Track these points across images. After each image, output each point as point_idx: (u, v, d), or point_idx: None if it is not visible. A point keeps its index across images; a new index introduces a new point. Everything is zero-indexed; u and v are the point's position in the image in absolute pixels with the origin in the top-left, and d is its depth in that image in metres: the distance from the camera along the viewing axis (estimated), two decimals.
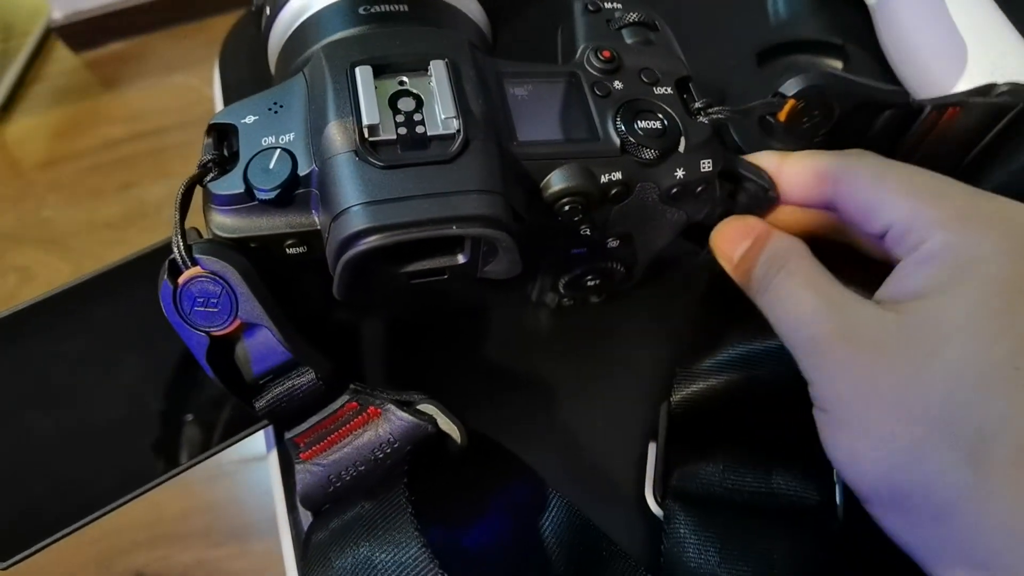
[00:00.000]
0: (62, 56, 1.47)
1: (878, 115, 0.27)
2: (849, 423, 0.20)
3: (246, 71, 0.39)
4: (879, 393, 0.19)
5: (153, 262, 0.25)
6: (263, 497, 0.91)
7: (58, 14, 1.43)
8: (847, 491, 0.24)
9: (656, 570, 0.25)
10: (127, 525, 0.94)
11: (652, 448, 0.27)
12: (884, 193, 0.22)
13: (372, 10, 0.25)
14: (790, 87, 0.26)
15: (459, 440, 0.24)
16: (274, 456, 0.28)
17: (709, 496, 0.25)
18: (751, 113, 0.26)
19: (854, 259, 0.25)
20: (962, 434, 0.18)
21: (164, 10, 1.42)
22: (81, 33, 1.45)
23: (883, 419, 0.19)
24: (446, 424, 0.24)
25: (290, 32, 0.26)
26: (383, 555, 0.20)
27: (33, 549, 0.23)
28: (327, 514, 0.23)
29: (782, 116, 0.26)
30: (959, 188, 0.21)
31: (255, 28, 0.41)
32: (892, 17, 0.35)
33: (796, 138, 0.28)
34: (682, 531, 0.25)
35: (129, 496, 0.23)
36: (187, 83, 1.35)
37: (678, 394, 0.28)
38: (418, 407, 0.23)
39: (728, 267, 0.25)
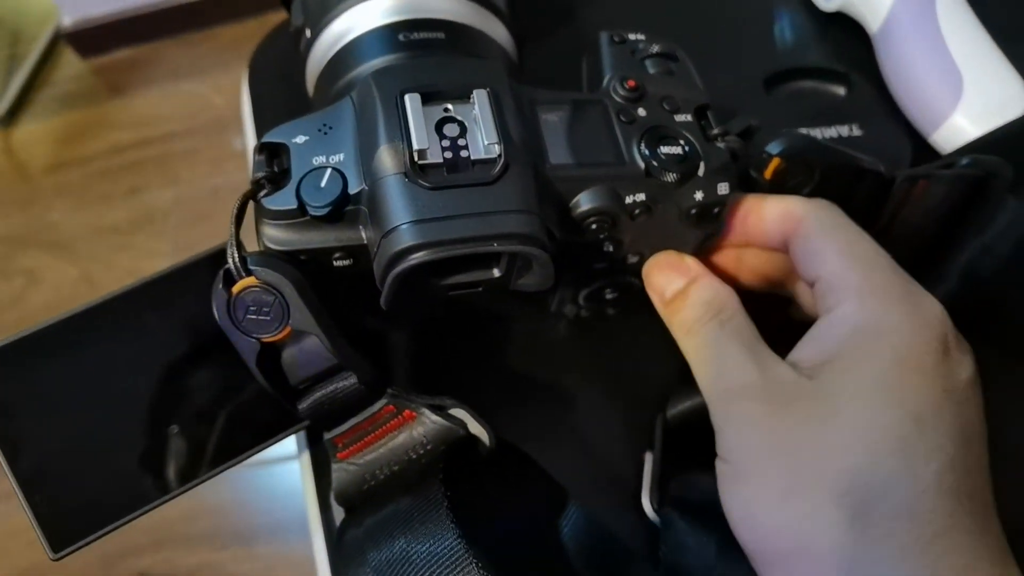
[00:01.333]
0: (70, 62, 1.48)
1: (858, 182, 0.28)
2: (748, 477, 0.21)
3: (276, 85, 0.41)
4: (781, 451, 0.21)
5: (201, 270, 0.26)
6: (268, 500, 0.92)
7: (67, 20, 1.45)
8: None
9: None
10: (131, 527, 0.93)
11: (648, 457, 0.28)
12: (824, 245, 0.23)
13: (412, 37, 0.26)
14: (775, 146, 0.27)
15: (488, 443, 0.25)
16: (307, 457, 0.29)
17: (705, 504, 0.26)
18: (748, 158, 0.27)
19: (780, 316, 0.26)
20: (850, 494, 0.19)
21: (172, 18, 1.44)
22: (89, 39, 1.46)
23: (781, 476, 0.20)
24: (475, 428, 0.25)
25: (331, 55, 0.28)
26: (419, 547, 0.21)
27: (84, 541, 0.24)
28: (360, 512, 0.24)
29: (768, 174, 0.27)
30: (887, 265, 0.22)
31: (284, 44, 0.43)
32: (892, 47, 0.37)
33: None
34: (679, 536, 0.26)
35: (177, 491, 0.25)
36: (195, 90, 1.37)
37: (673, 408, 0.29)
38: (450, 411, 0.25)
39: (657, 301, 0.26)
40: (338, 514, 0.27)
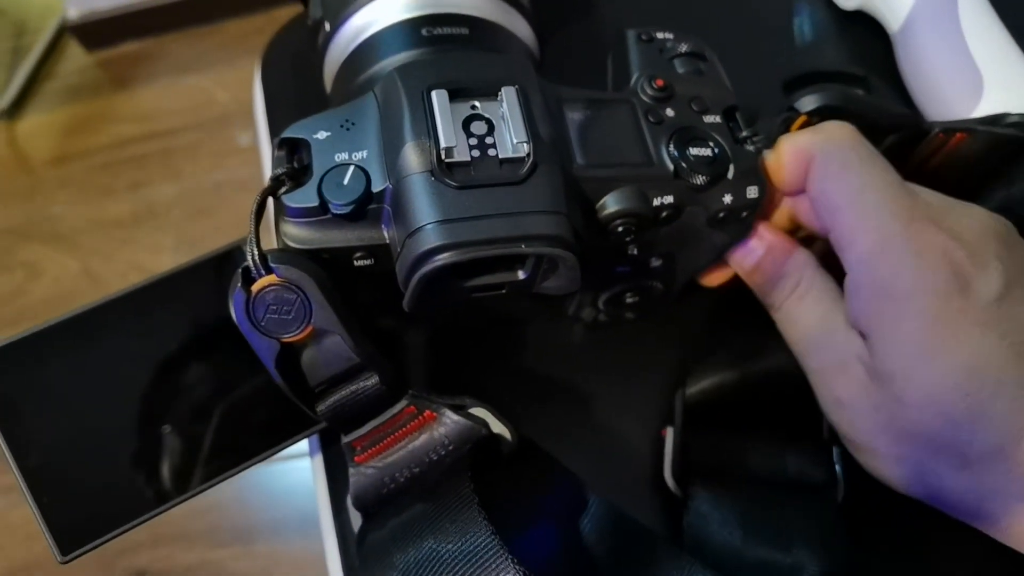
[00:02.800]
0: (75, 54, 1.47)
1: (884, 137, 0.28)
2: (864, 449, 0.23)
3: (290, 79, 0.40)
4: (878, 425, 0.22)
5: (210, 269, 0.25)
6: (268, 498, 0.91)
7: (72, 12, 1.43)
8: (847, 470, 0.27)
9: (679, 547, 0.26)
10: None
11: (669, 432, 0.28)
12: (833, 192, 0.23)
13: (435, 32, 0.25)
14: (806, 103, 0.27)
15: (511, 440, 0.24)
16: (319, 461, 0.29)
17: (727, 475, 0.27)
18: (773, 132, 0.27)
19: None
20: (945, 449, 0.21)
21: (179, 12, 1.42)
22: (95, 32, 1.44)
23: (889, 447, 0.22)
24: (497, 426, 0.24)
25: (351, 49, 0.27)
26: (449, 546, 0.21)
27: (92, 544, 0.23)
28: (382, 515, 0.24)
29: (793, 132, 0.27)
30: (893, 205, 0.22)
31: (297, 39, 0.42)
32: (912, 46, 0.36)
33: None
34: (704, 508, 0.26)
35: (187, 495, 0.24)
36: (200, 85, 1.35)
37: (693, 385, 0.29)
38: (470, 411, 0.24)
39: (741, 273, 0.26)
40: (354, 518, 0.26)
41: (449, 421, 0.23)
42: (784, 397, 0.27)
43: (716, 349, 0.30)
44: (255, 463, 0.25)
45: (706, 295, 0.30)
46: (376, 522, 0.23)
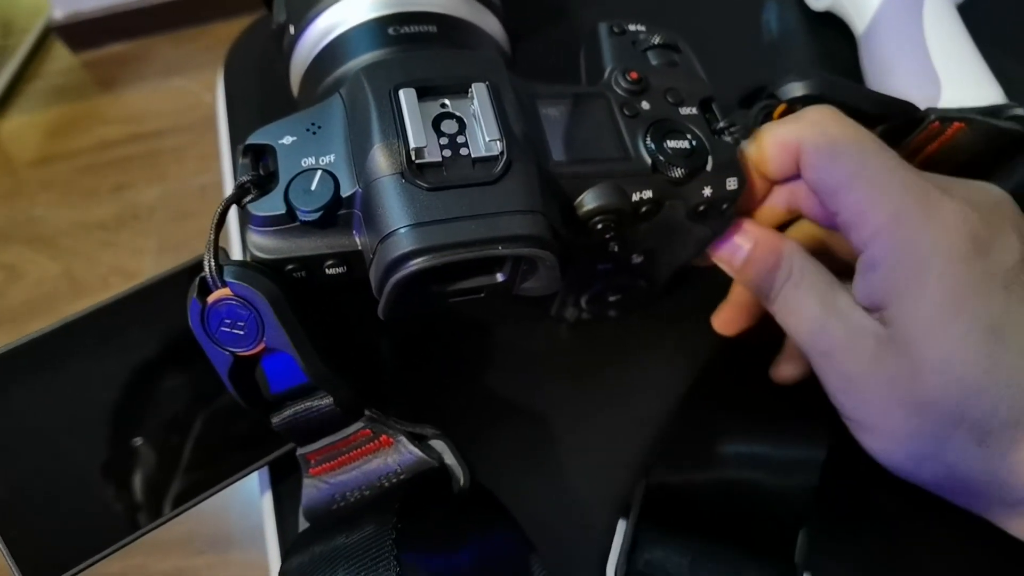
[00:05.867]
0: (60, 55, 1.44)
1: (872, 126, 0.27)
2: (872, 429, 0.22)
3: (252, 83, 0.39)
4: (892, 399, 0.21)
5: (179, 283, 0.24)
6: (245, 506, 0.88)
7: (58, 13, 1.40)
8: None
9: None
10: None
11: (621, 525, 0.26)
12: (831, 177, 0.22)
13: (402, 31, 0.24)
14: (787, 91, 0.26)
15: (462, 482, 0.23)
16: (265, 473, 0.28)
17: None
18: (750, 122, 0.26)
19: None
20: (965, 420, 0.20)
21: (165, 14, 1.40)
22: (81, 33, 1.42)
23: (901, 422, 0.21)
24: (452, 463, 0.23)
25: (317, 51, 0.26)
26: None
27: (68, 574, 0.22)
28: (307, 540, 0.22)
29: (774, 121, 0.25)
30: (898, 182, 0.21)
31: (260, 42, 0.41)
32: (875, 48, 0.36)
33: None
34: None
35: (164, 518, 0.23)
36: (186, 87, 1.33)
37: (656, 479, 0.26)
38: (430, 442, 0.23)
39: (729, 270, 0.25)
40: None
41: (404, 450, 0.23)
42: (748, 509, 0.25)
43: (685, 439, 0.27)
44: (231, 483, 0.24)
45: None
46: (302, 546, 0.22)
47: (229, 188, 0.37)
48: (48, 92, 1.40)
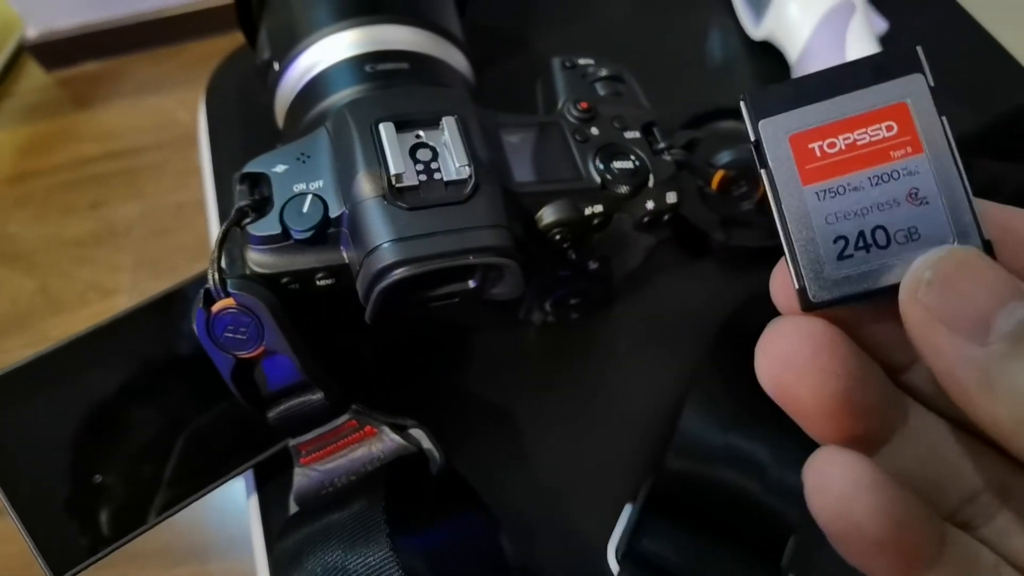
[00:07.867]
0: (34, 72, 1.42)
1: None
2: None
3: (233, 108, 0.41)
4: None
5: (187, 296, 0.27)
6: (224, 516, 0.87)
7: (32, 32, 1.39)
8: None
9: None
10: None
11: (627, 509, 0.27)
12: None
13: (378, 68, 0.27)
14: (720, 159, 0.28)
15: (439, 460, 0.25)
16: (251, 475, 0.30)
17: (665, 571, 0.26)
18: (692, 168, 0.28)
19: None
20: None
21: (140, 33, 1.39)
22: (54, 52, 1.40)
23: None
24: (429, 447, 0.26)
25: (300, 87, 0.29)
26: (355, 558, 0.21)
27: (84, 564, 0.24)
28: (299, 521, 0.24)
29: (714, 185, 0.29)
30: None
31: (242, 67, 0.44)
32: (806, 72, 0.40)
33: (729, 205, 0.31)
34: None
35: (171, 511, 0.25)
36: (162, 105, 1.32)
37: (667, 469, 0.27)
38: (409, 431, 0.26)
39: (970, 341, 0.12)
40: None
41: (387, 439, 0.25)
42: (755, 519, 0.26)
43: (699, 436, 0.27)
44: (216, 487, 0.26)
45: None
46: (292, 528, 0.24)
47: (213, 208, 0.39)
48: (23, 110, 1.38)
